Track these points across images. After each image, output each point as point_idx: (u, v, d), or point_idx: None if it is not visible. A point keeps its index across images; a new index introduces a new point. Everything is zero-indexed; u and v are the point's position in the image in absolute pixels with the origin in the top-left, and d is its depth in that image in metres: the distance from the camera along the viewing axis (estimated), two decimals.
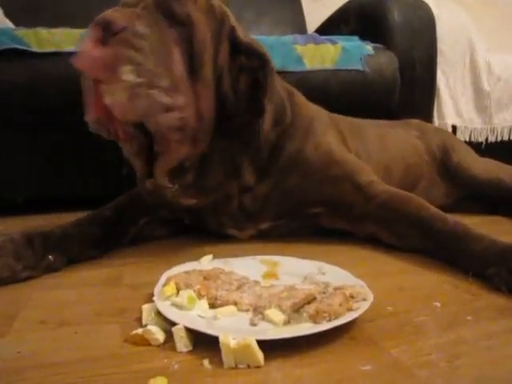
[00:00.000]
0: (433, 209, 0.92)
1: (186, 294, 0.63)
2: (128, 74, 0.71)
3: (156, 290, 0.67)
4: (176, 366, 0.53)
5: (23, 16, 1.68)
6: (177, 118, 0.78)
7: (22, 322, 0.66)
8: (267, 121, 0.87)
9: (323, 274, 0.77)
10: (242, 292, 0.67)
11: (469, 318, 0.66)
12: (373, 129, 1.29)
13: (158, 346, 0.57)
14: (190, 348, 0.56)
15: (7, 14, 1.65)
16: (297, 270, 0.77)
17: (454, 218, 0.89)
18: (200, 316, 0.62)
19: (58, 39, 1.28)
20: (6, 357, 0.56)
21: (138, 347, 0.58)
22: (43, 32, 1.27)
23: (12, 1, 1.79)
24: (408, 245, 0.94)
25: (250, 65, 0.89)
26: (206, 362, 0.53)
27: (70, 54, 1.26)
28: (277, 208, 1.01)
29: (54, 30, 1.30)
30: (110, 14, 0.73)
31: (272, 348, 0.54)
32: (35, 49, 1.25)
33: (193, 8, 0.82)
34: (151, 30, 0.75)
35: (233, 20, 0.91)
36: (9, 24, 1.59)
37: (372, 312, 0.65)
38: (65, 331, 0.63)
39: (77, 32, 1.32)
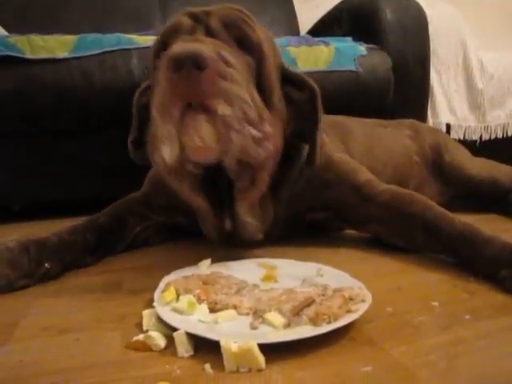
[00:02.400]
0: (437, 208, 0.90)
1: (185, 299, 0.64)
2: (224, 108, 0.66)
3: (156, 296, 0.67)
4: (178, 371, 0.53)
5: (15, 22, 1.68)
6: (269, 149, 0.75)
7: (23, 330, 0.66)
8: (318, 149, 0.87)
9: (321, 276, 0.77)
10: (241, 296, 0.67)
11: (467, 316, 0.66)
12: (360, 128, 1.28)
13: (160, 351, 0.58)
14: (192, 353, 0.56)
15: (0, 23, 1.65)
16: (295, 273, 0.78)
17: (459, 218, 0.87)
18: (200, 321, 0.62)
19: (51, 45, 1.28)
20: (9, 365, 0.57)
21: (139, 353, 0.58)
22: (36, 38, 1.28)
23: (4, 8, 1.79)
24: (413, 245, 0.93)
25: (299, 97, 0.88)
26: (207, 366, 0.53)
27: (63, 59, 1.29)
28: (285, 217, 0.99)
29: (46, 37, 1.30)
30: (194, 46, 0.66)
31: (273, 351, 0.54)
32: (29, 55, 1.26)
33: (260, 33, 0.80)
34: (236, 59, 0.71)
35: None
36: (1, 31, 1.58)
37: (371, 313, 0.66)
38: (66, 338, 0.63)
39: (69, 38, 1.33)
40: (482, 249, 0.80)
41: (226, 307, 0.64)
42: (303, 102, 0.88)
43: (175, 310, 0.63)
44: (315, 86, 0.88)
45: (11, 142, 1.36)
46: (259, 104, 0.73)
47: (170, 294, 0.65)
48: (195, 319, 0.62)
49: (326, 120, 1.15)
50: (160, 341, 0.58)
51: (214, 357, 0.54)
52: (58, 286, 0.84)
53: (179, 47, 0.65)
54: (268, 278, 0.77)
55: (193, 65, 0.63)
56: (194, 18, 0.77)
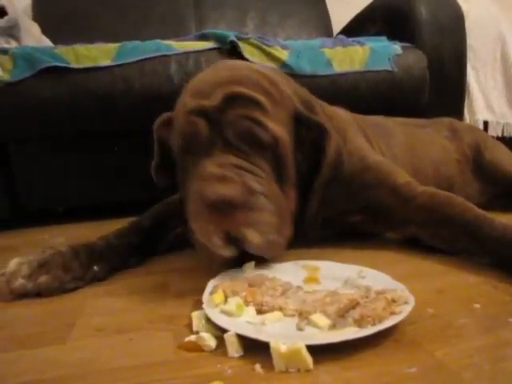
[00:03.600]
0: (477, 210, 0.90)
1: (234, 302, 0.66)
2: (253, 235, 0.74)
3: (204, 298, 0.70)
4: (229, 371, 0.56)
5: (58, 32, 1.75)
6: (287, 230, 0.82)
7: (80, 329, 0.70)
8: (323, 176, 0.90)
9: (363, 277, 0.78)
10: (286, 297, 0.69)
11: (510, 319, 0.66)
12: (400, 128, 1.27)
13: (211, 352, 0.60)
14: (241, 353, 0.59)
15: (43, 31, 1.73)
16: (337, 274, 0.79)
17: (500, 221, 0.86)
18: (248, 322, 0.64)
19: (94, 54, 1.34)
20: (70, 363, 0.61)
21: (191, 353, 0.60)
22: (80, 48, 1.33)
23: (47, 19, 1.86)
24: (454, 248, 0.93)
25: (310, 136, 0.90)
26: (257, 366, 0.56)
27: (106, 67, 1.34)
28: (322, 220, 1.00)
29: (90, 46, 1.36)
30: (225, 191, 0.72)
31: (319, 352, 0.56)
32: (74, 65, 1.31)
33: (272, 122, 0.81)
34: (262, 182, 0.77)
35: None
36: (46, 41, 1.66)
37: (413, 315, 0.67)
38: (120, 338, 0.67)
39: (111, 46, 1.38)
40: None
41: (272, 309, 0.66)
42: (315, 139, 0.91)
43: (224, 312, 0.66)
44: (323, 123, 0.90)
45: (56, 146, 1.43)
46: (283, 205, 0.81)
47: (219, 296, 0.68)
48: (243, 321, 0.64)
49: (366, 121, 1.16)
50: (211, 341, 0.61)
51: (264, 357, 0.56)
52: (107, 287, 0.88)
53: (211, 192, 0.72)
54: (310, 280, 0.78)
55: (225, 206, 0.72)
56: (209, 121, 0.79)
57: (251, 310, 0.66)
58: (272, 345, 0.55)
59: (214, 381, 0.53)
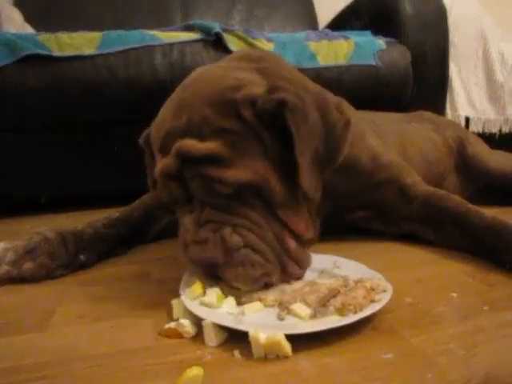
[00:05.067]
0: (470, 205, 0.93)
1: (213, 293, 0.66)
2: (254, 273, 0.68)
3: (181, 288, 0.70)
4: (209, 357, 0.57)
5: (41, 20, 1.72)
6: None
7: (61, 316, 0.70)
8: (304, 178, 0.68)
9: (338, 267, 0.79)
10: (265, 288, 0.70)
11: (485, 307, 0.68)
12: (391, 126, 1.25)
13: (191, 338, 0.61)
14: (219, 342, 0.59)
15: (26, 19, 1.70)
16: (312, 265, 0.78)
17: (490, 214, 0.89)
18: (229, 313, 0.64)
19: (77, 43, 1.32)
20: (49, 349, 0.60)
21: (171, 340, 0.61)
22: (63, 36, 1.32)
23: (31, 6, 1.83)
24: (445, 240, 0.95)
25: (271, 119, 0.69)
26: (236, 352, 0.57)
27: (89, 56, 1.33)
28: (322, 215, 0.95)
29: (73, 34, 1.34)
30: (202, 255, 0.68)
31: (298, 339, 0.57)
32: (56, 53, 1.30)
33: (231, 168, 0.68)
34: (243, 231, 0.69)
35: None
36: (28, 29, 1.63)
37: (392, 303, 0.68)
38: (101, 325, 0.67)
39: (95, 35, 1.36)
40: (509, 240, 0.82)
41: (251, 300, 0.67)
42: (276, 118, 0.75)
43: (204, 304, 0.65)
44: (287, 97, 0.68)
45: (38, 135, 1.41)
46: (272, 242, 0.70)
47: (198, 287, 0.68)
48: (223, 311, 0.64)
49: (367, 117, 1.14)
50: (191, 328, 0.61)
51: (243, 344, 0.57)
52: (90, 275, 0.88)
53: (192, 254, 0.69)
54: None
55: (207, 267, 0.69)
56: (177, 181, 0.70)
57: (231, 300, 0.66)
58: (251, 334, 0.55)
59: (193, 366, 0.53)
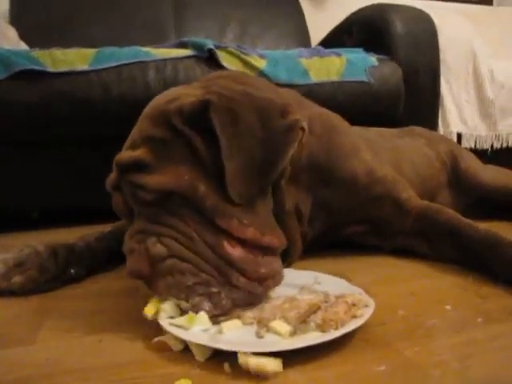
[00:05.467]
0: (464, 219, 0.93)
1: (170, 307, 0.64)
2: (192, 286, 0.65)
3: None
4: (198, 370, 0.56)
5: (36, 37, 1.73)
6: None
7: (48, 331, 0.69)
8: (231, 183, 0.65)
9: (319, 283, 0.77)
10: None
11: (479, 319, 0.67)
12: (385, 142, 1.25)
13: (180, 351, 0.60)
14: (207, 356, 0.58)
15: (21, 37, 1.71)
16: (293, 281, 0.76)
17: (484, 227, 0.90)
18: (204, 331, 0.62)
19: (71, 58, 1.33)
20: (36, 363, 0.59)
21: (160, 353, 0.60)
22: (57, 52, 1.32)
23: (25, 24, 1.85)
24: (440, 253, 0.95)
25: (198, 122, 0.67)
26: (226, 365, 0.55)
27: (83, 72, 1.34)
28: (317, 230, 0.97)
29: (67, 50, 1.35)
30: (130, 266, 0.67)
31: (289, 353, 0.56)
32: (50, 69, 1.30)
33: (156, 174, 0.67)
34: (167, 241, 0.66)
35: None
36: (23, 46, 1.64)
37: (384, 316, 0.68)
38: (89, 340, 0.65)
39: (89, 51, 1.37)
40: (504, 252, 0.82)
41: (229, 318, 0.64)
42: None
43: (175, 326, 0.62)
44: (209, 97, 0.68)
45: (32, 151, 1.40)
46: (205, 250, 0.66)
47: (150, 308, 0.66)
48: (198, 330, 0.61)
49: (364, 134, 1.14)
50: (179, 342, 0.60)
51: (233, 358, 0.55)
52: (79, 290, 0.87)
53: (127, 267, 0.68)
54: None
55: (138, 278, 0.68)
56: (120, 193, 0.72)
57: (203, 316, 0.63)
58: (240, 360, 0.54)
59: (181, 378, 0.52)
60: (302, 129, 0.70)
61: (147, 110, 0.73)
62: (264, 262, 0.67)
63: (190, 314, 0.63)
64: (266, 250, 0.68)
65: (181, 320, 0.62)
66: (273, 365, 0.54)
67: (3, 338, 0.67)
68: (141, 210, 0.69)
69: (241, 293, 0.65)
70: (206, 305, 0.64)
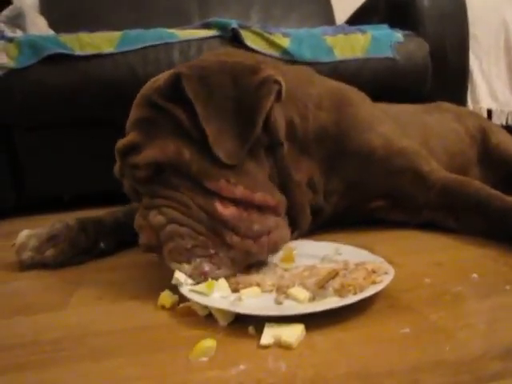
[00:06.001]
0: (491, 189, 0.91)
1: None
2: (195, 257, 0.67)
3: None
4: (222, 332, 0.57)
5: (65, 26, 1.77)
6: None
7: (79, 298, 0.72)
8: (215, 143, 0.67)
9: (340, 254, 0.77)
10: (263, 274, 0.69)
11: (507, 287, 0.66)
12: (413, 118, 1.23)
13: (205, 316, 0.61)
14: (229, 321, 0.59)
15: (50, 25, 1.75)
16: (313, 252, 0.77)
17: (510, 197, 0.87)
18: (223, 297, 0.63)
19: (97, 42, 1.36)
20: (68, 326, 0.62)
21: (186, 317, 0.61)
22: (84, 36, 1.35)
23: (54, 13, 1.89)
24: (467, 226, 0.93)
25: (175, 95, 0.70)
26: (251, 328, 0.56)
27: (109, 54, 1.36)
28: (335, 204, 0.97)
29: (93, 34, 1.38)
30: (141, 240, 0.71)
31: (312, 317, 0.56)
32: (78, 52, 1.33)
33: (148, 148, 0.71)
34: (166, 211, 0.69)
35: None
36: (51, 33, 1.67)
37: (409, 283, 0.68)
38: (118, 306, 0.68)
39: (114, 34, 1.40)
40: None
41: (249, 286, 0.65)
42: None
43: (195, 292, 0.63)
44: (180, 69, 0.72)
45: (61, 133, 1.45)
46: (201, 214, 0.68)
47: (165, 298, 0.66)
48: (218, 296, 0.63)
49: (388, 110, 1.12)
50: (204, 307, 0.61)
51: (258, 321, 0.56)
52: (108, 262, 0.90)
53: (142, 239, 0.71)
54: (287, 259, 0.76)
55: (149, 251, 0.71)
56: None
57: (223, 283, 0.64)
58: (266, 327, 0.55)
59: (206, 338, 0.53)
60: (278, 83, 0.71)
61: (135, 99, 0.77)
62: (258, 219, 0.69)
63: (210, 280, 0.64)
64: (263, 209, 0.70)
65: (201, 287, 0.63)
66: (296, 330, 0.54)
67: (36, 304, 0.70)
68: (143, 190, 0.73)
69: (238, 252, 0.67)
70: (207, 265, 0.66)
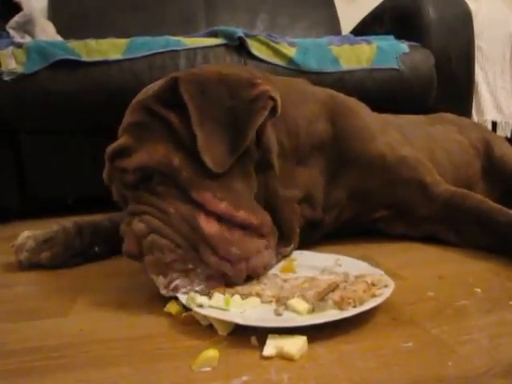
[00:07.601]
0: (492, 203, 0.90)
1: (220, 297, 0.64)
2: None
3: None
4: (225, 342, 0.57)
5: (73, 32, 1.78)
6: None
7: (81, 305, 0.72)
8: (203, 149, 0.66)
9: (340, 265, 0.76)
10: (263, 284, 0.68)
11: (511, 302, 0.66)
12: (417, 130, 1.22)
13: (207, 326, 0.61)
14: (229, 331, 0.59)
15: (58, 31, 1.77)
16: (314, 263, 0.78)
17: None
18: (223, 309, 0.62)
19: (104, 48, 1.37)
20: (70, 332, 0.62)
21: (189, 326, 0.61)
22: (91, 42, 1.36)
23: (62, 18, 1.91)
24: (467, 240, 0.93)
25: (171, 99, 0.71)
26: (253, 338, 0.56)
27: (116, 61, 1.37)
28: (336, 216, 0.97)
29: (100, 41, 1.39)
30: (124, 248, 0.70)
31: (315, 330, 0.56)
32: (85, 58, 1.34)
33: (138, 153, 0.70)
34: (149, 219, 0.68)
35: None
36: (59, 39, 1.68)
37: (412, 296, 0.68)
38: (122, 313, 0.68)
39: (121, 41, 1.41)
40: None
41: (248, 296, 0.65)
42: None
43: (211, 307, 0.62)
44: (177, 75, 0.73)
45: (67, 138, 1.45)
46: (184, 226, 0.67)
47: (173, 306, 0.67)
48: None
49: (387, 120, 1.12)
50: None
51: (259, 332, 0.56)
52: (110, 267, 0.91)
53: (125, 246, 0.70)
54: (287, 270, 0.77)
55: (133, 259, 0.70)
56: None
57: (237, 299, 0.64)
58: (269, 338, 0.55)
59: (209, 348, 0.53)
60: (273, 99, 0.71)
61: (129, 105, 0.77)
62: (239, 241, 0.66)
63: (227, 297, 0.63)
64: (246, 229, 0.68)
65: (218, 302, 0.63)
66: (299, 342, 0.54)
67: (38, 310, 0.70)
68: (130, 195, 0.72)
69: (214, 271, 0.66)
70: (179, 281, 0.66)
